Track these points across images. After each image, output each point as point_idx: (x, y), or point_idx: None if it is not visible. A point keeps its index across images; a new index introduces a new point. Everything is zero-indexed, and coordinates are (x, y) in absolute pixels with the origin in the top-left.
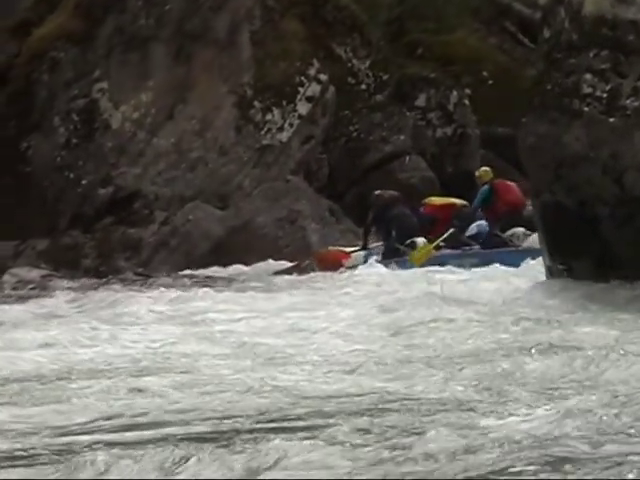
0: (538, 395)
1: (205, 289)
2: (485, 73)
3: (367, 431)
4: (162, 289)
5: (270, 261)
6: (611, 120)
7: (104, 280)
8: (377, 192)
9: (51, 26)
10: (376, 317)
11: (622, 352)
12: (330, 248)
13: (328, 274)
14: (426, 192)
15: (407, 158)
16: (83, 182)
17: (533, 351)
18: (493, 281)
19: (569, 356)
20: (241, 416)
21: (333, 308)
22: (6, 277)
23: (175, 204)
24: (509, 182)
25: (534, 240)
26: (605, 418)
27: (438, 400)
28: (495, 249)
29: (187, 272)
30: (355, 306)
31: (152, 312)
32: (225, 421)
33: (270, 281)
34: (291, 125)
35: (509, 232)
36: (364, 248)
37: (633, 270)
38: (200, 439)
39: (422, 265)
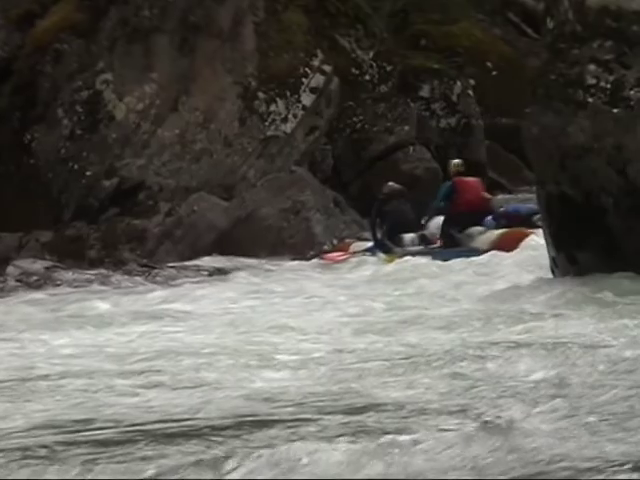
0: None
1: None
2: (489, 64)
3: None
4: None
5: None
6: (615, 111)
7: (108, 271)
8: (388, 184)
9: (55, 18)
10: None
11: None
12: (341, 242)
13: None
14: (430, 183)
15: (411, 149)
16: (87, 173)
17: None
18: (492, 274)
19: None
20: (218, 416)
21: (327, 307)
22: (10, 269)
23: (179, 195)
24: (471, 179)
25: (483, 240)
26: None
27: (418, 402)
28: (451, 249)
29: (192, 263)
30: (338, 304)
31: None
32: (199, 420)
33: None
34: (295, 116)
35: (467, 231)
36: (375, 241)
37: (638, 260)
38: (171, 437)
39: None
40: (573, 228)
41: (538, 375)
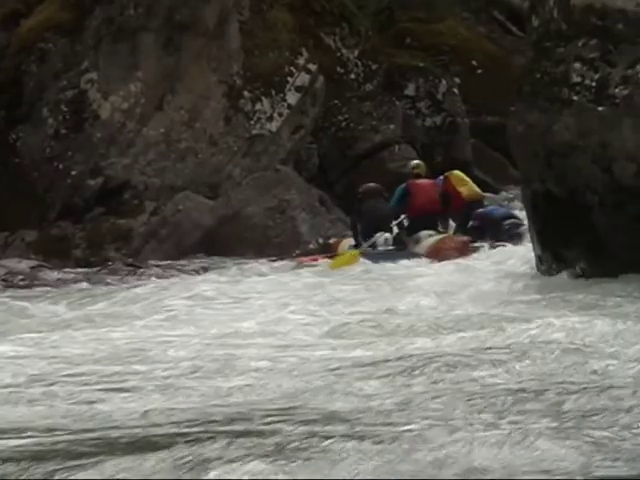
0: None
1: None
2: (474, 62)
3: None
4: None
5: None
6: (600, 109)
7: (94, 270)
8: (365, 184)
9: (40, 17)
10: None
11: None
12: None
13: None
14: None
15: (397, 147)
16: (72, 173)
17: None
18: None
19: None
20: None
21: (311, 307)
22: None
23: (165, 194)
24: (425, 182)
25: (424, 245)
26: None
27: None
28: (389, 252)
29: (177, 262)
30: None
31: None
32: (169, 426)
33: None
34: (280, 115)
35: (417, 235)
36: (356, 241)
37: (623, 258)
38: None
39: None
40: (558, 226)
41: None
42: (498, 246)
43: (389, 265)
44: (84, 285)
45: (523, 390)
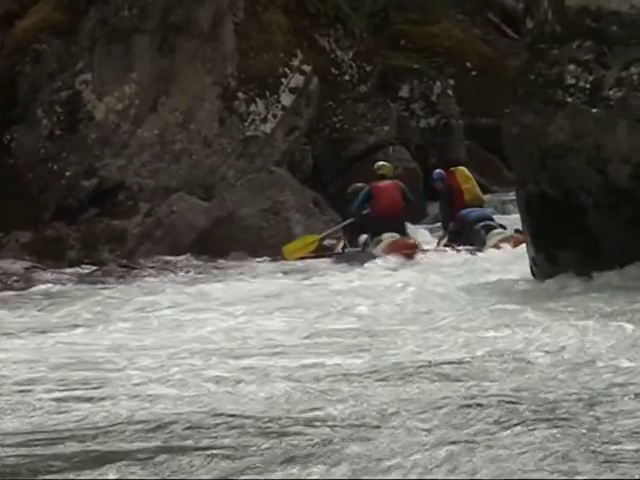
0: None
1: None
2: (469, 64)
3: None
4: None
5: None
6: (594, 111)
7: (88, 271)
8: (354, 184)
9: (34, 18)
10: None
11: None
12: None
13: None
14: (410, 183)
15: (391, 149)
16: (67, 174)
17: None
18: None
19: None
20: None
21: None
22: None
23: (159, 195)
24: (386, 184)
25: (380, 247)
26: None
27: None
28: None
29: (171, 263)
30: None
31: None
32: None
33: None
34: (275, 116)
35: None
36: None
37: (617, 259)
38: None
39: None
40: (553, 227)
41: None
42: (469, 250)
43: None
44: (56, 288)
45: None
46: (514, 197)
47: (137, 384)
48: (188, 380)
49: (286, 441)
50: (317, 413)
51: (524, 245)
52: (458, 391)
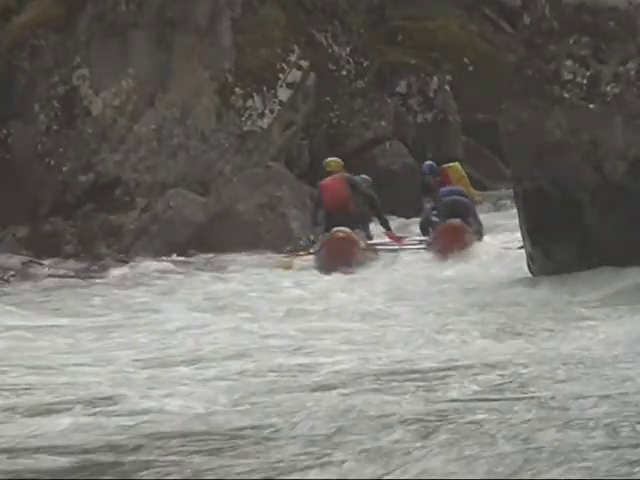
0: None
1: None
2: (466, 60)
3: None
4: None
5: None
6: (591, 106)
7: (84, 266)
8: None
9: (31, 13)
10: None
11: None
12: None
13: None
14: (407, 178)
15: (388, 144)
16: (64, 169)
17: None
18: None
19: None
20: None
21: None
22: None
23: (156, 191)
24: (329, 180)
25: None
26: None
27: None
28: None
29: (168, 258)
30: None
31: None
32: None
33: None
34: (272, 111)
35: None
36: None
37: (614, 255)
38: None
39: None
40: (549, 224)
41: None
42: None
43: None
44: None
45: None
46: (511, 193)
47: None
48: None
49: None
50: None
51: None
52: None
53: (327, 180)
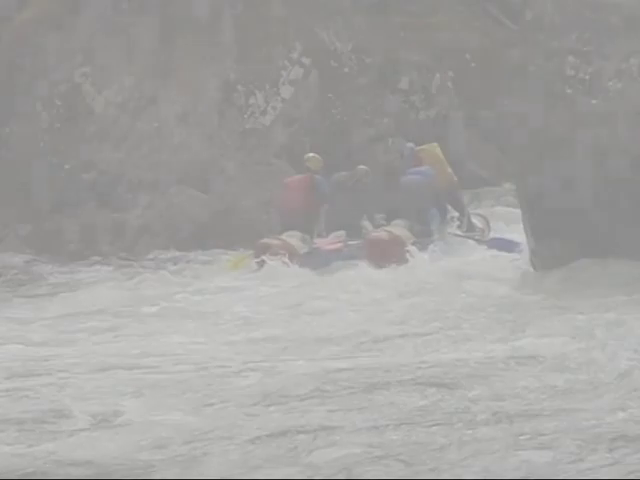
0: None
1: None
2: (468, 56)
3: None
4: None
5: None
6: (594, 102)
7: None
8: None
9: (33, 11)
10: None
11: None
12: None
13: None
14: None
15: (390, 141)
16: (66, 167)
17: None
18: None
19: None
20: None
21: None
22: None
23: (158, 188)
24: (295, 178)
25: None
26: None
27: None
28: None
29: (170, 256)
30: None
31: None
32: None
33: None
34: (274, 109)
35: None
36: None
37: (617, 250)
38: None
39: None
40: (552, 219)
41: None
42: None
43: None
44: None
45: None
46: (514, 189)
47: None
48: None
49: None
50: None
51: None
52: None
53: (293, 178)
